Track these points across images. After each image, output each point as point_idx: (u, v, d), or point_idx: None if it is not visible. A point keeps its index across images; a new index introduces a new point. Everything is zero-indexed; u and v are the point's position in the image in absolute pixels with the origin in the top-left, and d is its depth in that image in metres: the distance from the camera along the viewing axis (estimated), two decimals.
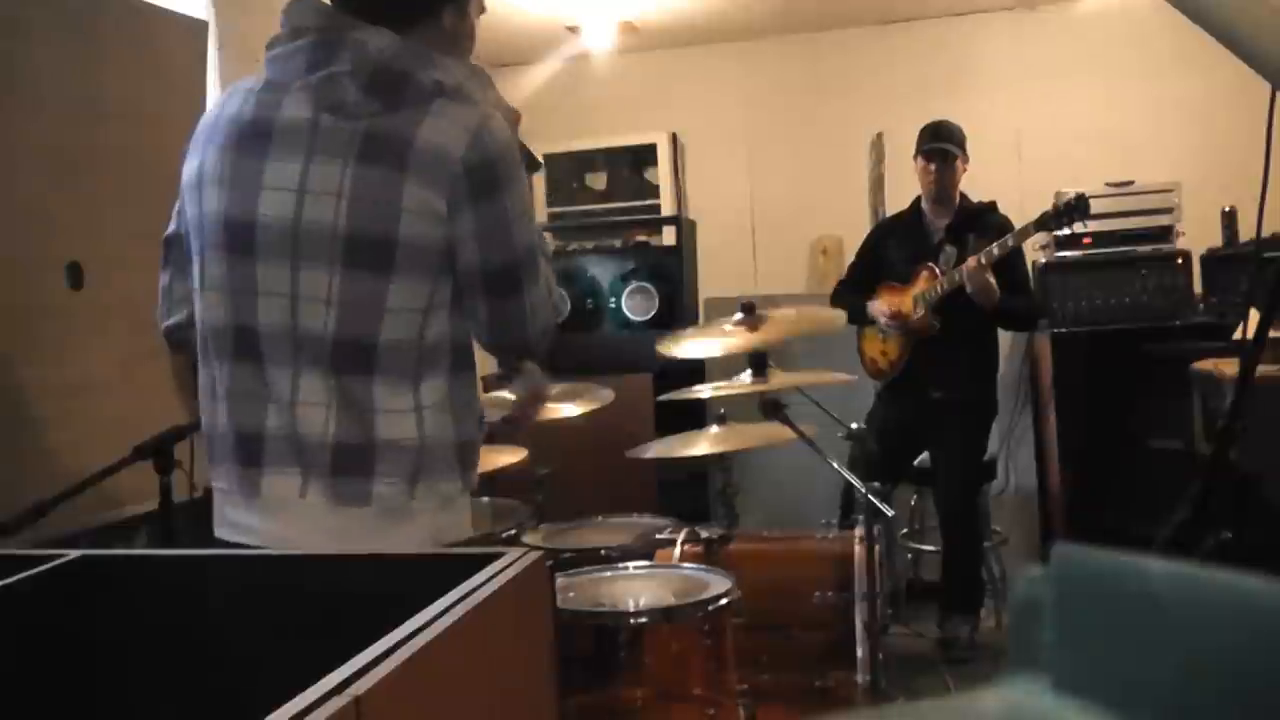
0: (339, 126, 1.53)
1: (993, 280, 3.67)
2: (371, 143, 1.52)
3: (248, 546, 1.60)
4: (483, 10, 1.78)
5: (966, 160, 3.94)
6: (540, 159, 1.88)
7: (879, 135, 5.01)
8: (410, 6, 1.64)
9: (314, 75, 1.55)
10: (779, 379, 2.54)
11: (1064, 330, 4.41)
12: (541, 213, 5.39)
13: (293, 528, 1.58)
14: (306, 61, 1.56)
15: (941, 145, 3.89)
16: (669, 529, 2.73)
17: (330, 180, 1.52)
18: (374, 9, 1.60)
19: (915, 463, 4.12)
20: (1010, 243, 3.67)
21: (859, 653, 2.42)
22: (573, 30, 5.24)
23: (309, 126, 1.55)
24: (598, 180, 5.78)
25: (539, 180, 5.26)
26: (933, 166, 3.90)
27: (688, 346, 2.77)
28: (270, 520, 1.60)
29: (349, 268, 1.53)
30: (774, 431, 2.52)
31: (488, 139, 1.56)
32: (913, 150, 4.02)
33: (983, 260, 3.65)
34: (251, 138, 1.58)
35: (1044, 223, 3.73)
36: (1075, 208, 3.70)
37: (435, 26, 1.66)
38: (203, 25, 3.31)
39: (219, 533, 1.67)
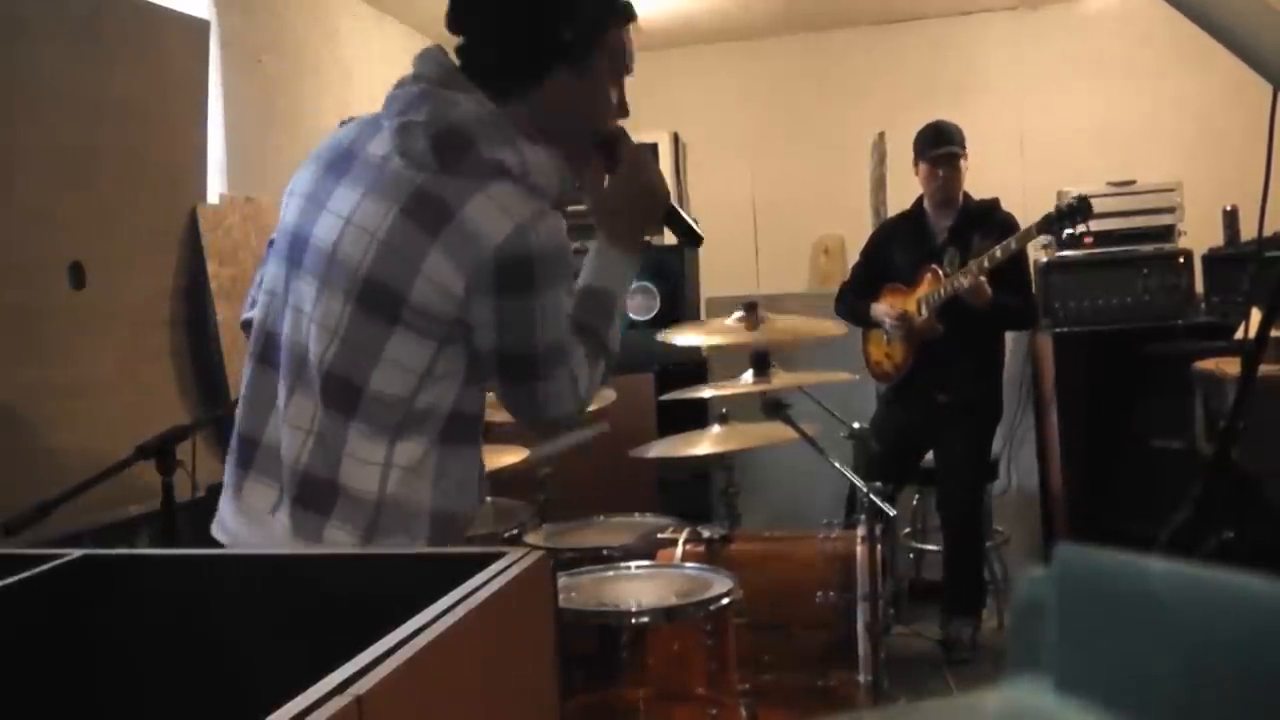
0: (403, 173, 1.53)
1: (984, 281, 3.66)
2: (420, 198, 1.51)
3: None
4: (630, 23, 1.67)
5: (967, 159, 3.94)
6: (701, 234, 1.81)
7: (881, 135, 5.01)
8: (518, 73, 1.60)
9: (401, 119, 1.55)
10: (781, 379, 2.54)
11: (1065, 330, 4.41)
12: None
13: (261, 540, 1.58)
14: (404, 106, 1.56)
15: (948, 150, 3.88)
16: (671, 529, 2.73)
17: (373, 218, 1.52)
18: (481, 67, 1.60)
19: (919, 463, 4.12)
20: (1013, 245, 3.67)
21: (861, 653, 2.42)
22: None
23: (380, 163, 1.56)
24: None
25: None
26: (940, 172, 3.88)
27: (689, 337, 2.77)
28: (244, 527, 1.62)
29: (360, 307, 1.52)
30: (776, 431, 2.52)
31: (532, 236, 1.50)
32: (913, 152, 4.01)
33: (985, 264, 3.65)
34: (339, 161, 1.60)
35: (1047, 225, 3.72)
36: (1078, 210, 3.69)
37: (551, 92, 1.60)
38: (204, 25, 3.31)
39: (212, 530, 1.68)
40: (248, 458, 1.62)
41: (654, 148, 5.53)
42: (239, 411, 1.66)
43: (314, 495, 1.54)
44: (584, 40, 1.60)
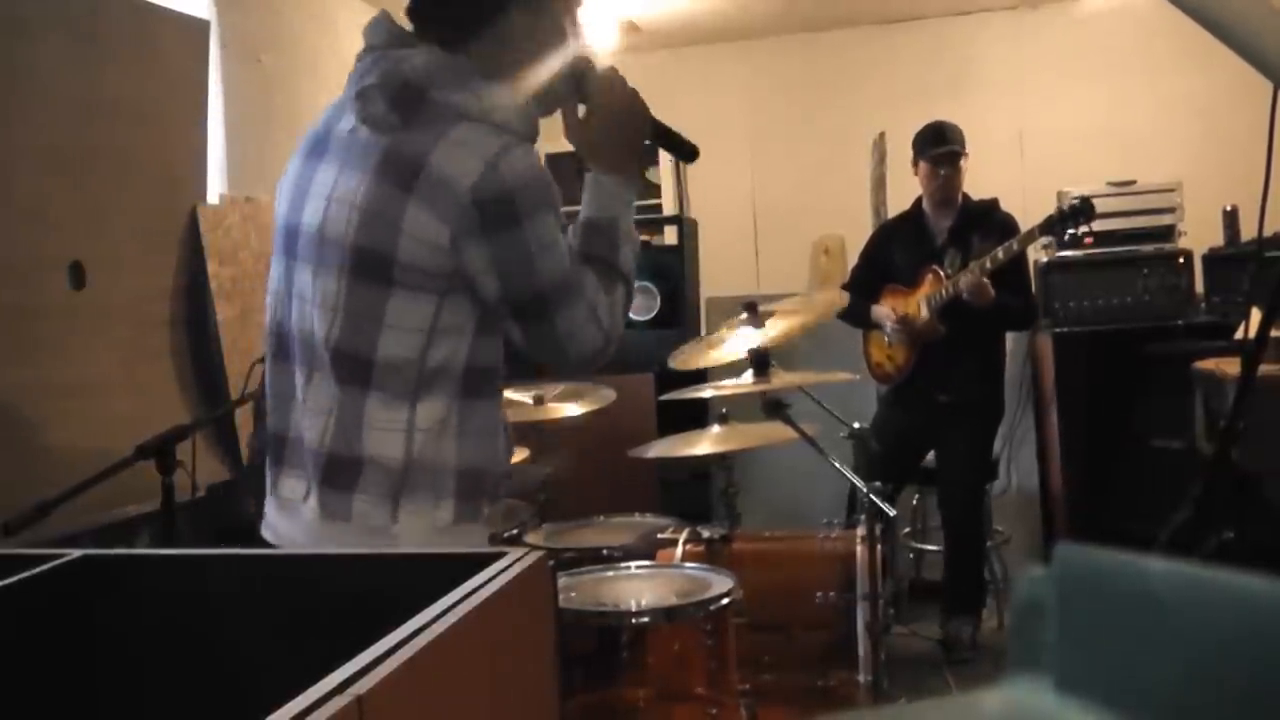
0: (370, 139, 1.54)
1: (987, 281, 3.66)
2: (388, 158, 1.52)
3: (275, 546, 1.62)
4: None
5: (967, 159, 3.94)
6: (694, 145, 1.78)
7: (881, 135, 5.01)
8: (467, 18, 1.60)
9: (358, 87, 1.56)
10: (781, 379, 2.54)
11: (1066, 330, 4.40)
12: None
13: (298, 531, 1.60)
14: (359, 75, 1.58)
15: (949, 149, 3.87)
16: (671, 529, 2.73)
17: (350, 189, 1.53)
18: (430, 21, 1.61)
19: (920, 463, 4.12)
20: (1015, 247, 3.66)
21: (861, 653, 2.42)
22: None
23: (349, 137, 1.57)
24: None
25: None
26: (941, 172, 3.88)
27: (695, 358, 2.75)
28: (283, 519, 1.63)
29: (354, 279, 1.53)
30: (776, 431, 2.52)
31: (505, 170, 1.50)
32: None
33: (987, 265, 3.65)
34: (315, 146, 1.63)
35: (1049, 227, 3.72)
36: (1080, 211, 3.69)
37: (503, 34, 1.61)
38: (204, 24, 3.31)
39: (262, 532, 1.69)
40: (279, 454, 1.64)
41: (654, 147, 5.55)
42: (268, 412, 1.68)
43: (340, 473, 1.55)
44: None
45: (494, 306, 1.56)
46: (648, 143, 1.76)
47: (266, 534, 1.66)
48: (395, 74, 1.53)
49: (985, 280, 3.64)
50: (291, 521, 1.61)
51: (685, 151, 1.79)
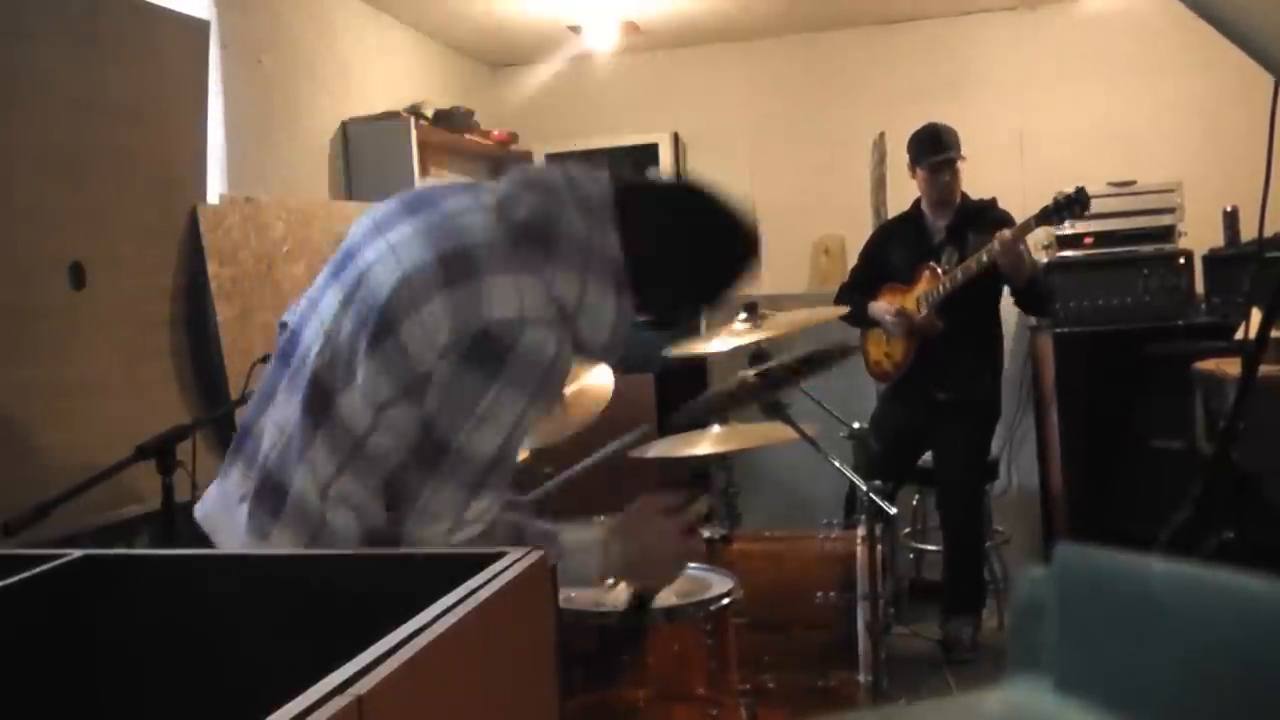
0: (467, 225, 1.57)
1: (1026, 252, 3.66)
2: (459, 253, 1.52)
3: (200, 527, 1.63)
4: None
5: (964, 160, 3.94)
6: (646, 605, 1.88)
7: (881, 135, 5.01)
8: (660, 238, 1.64)
9: (512, 189, 1.61)
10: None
11: (1066, 330, 4.41)
12: None
13: (225, 522, 1.59)
14: (525, 174, 1.67)
15: (946, 156, 3.88)
16: None
17: (408, 251, 1.53)
18: (628, 207, 1.63)
19: (919, 463, 4.12)
20: (1034, 224, 3.66)
21: (861, 653, 2.42)
22: (575, 30, 5.23)
23: (452, 213, 1.58)
24: None
25: None
26: (941, 179, 3.89)
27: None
28: (217, 509, 1.63)
29: (356, 322, 1.52)
30: (776, 431, 2.52)
31: (526, 333, 1.47)
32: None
33: (984, 258, 3.65)
34: (417, 204, 1.63)
35: (1045, 217, 3.72)
36: (1075, 200, 3.69)
37: (662, 278, 1.65)
38: (204, 25, 3.31)
39: (195, 509, 1.69)
40: (240, 444, 1.64)
41: (654, 148, 5.55)
42: (250, 404, 1.68)
43: (269, 495, 1.54)
44: (701, 293, 1.73)
45: (419, 430, 1.50)
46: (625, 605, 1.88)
47: (197, 513, 1.66)
48: (548, 214, 1.54)
49: (1022, 249, 3.64)
50: (224, 516, 1.60)
51: (630, 615, 1.89)
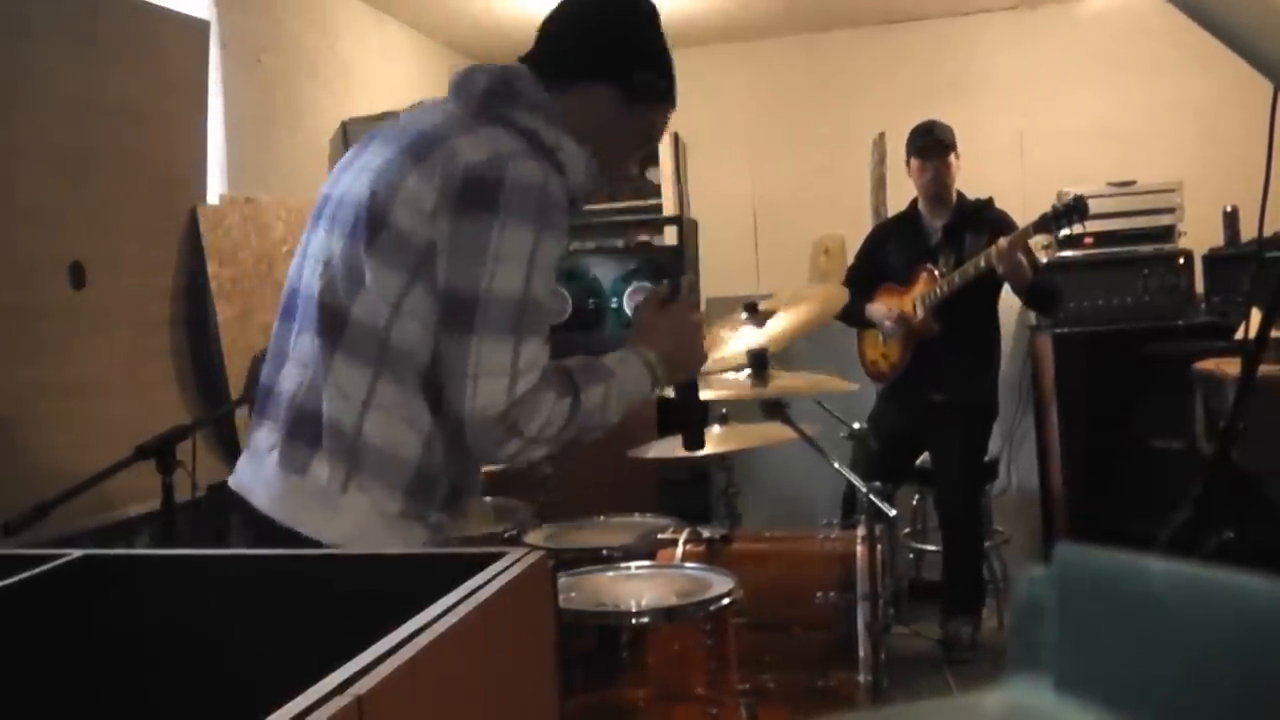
0: (425, 123, 1.60)
1: (1025, 260, 3.66)
2: (422, 136, 1.56)
3: (237, 494, 1.64)
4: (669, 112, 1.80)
5: (959, 158, 3.94)
6: (704, 441, 1.91)
7: (881, 135, 5.01)
8: (567, 66, 1.67)
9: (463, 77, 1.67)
10: (780, 380, 2.53)
11: (1066, 330, 4.41)
12: None
13: (258, 481, 1.60)
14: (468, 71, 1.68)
15: (934, 139, 3.89)
16: (671, 529, 2.72)
17: (374, 159, 1.58)
18: (548, 56, 1.70)
19: (917, 463, 4.12)
20: (1031, 232, 3.66)
21: (861, 653, 2.42)
22: None
23: (425, 125, 1.61)
24: None
25: None
26: (928, 164, 3.89)
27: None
28: (248, 468, 1.64)
29: (351, 237, 1.55)
30: (775, 431, 2.52)
31: (509, 166, 1.49)
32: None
33: (981, 264, 3.65)
34: (389, 131, 1.67)
35: (1043, 225, 3.72)
36: (1074, 209, 3.69)
37: (591, 99, 1.67)
38: (204, 25, 3.31)
39: (229, 480, 1.70)
40: (262, 406, 1.65)
41: (655, 147, 5.55)
42: (263, 369, 1.70)
43: (302, 428, 1.55)
44: (640, 88, 1.71)
45: (437, 297, 1.50)
46: (670, 394, 1.83)
47: (230, 482, 1.67)
48: (502, 75, 1.62)
49: (1021, 258, 3.63)
50: (255, 471, 1.61)
51: (695, 436, 1.90)
